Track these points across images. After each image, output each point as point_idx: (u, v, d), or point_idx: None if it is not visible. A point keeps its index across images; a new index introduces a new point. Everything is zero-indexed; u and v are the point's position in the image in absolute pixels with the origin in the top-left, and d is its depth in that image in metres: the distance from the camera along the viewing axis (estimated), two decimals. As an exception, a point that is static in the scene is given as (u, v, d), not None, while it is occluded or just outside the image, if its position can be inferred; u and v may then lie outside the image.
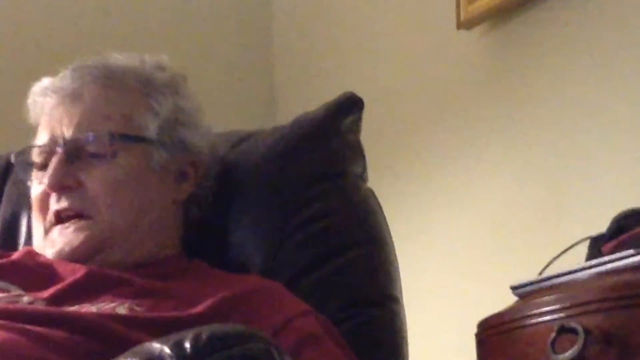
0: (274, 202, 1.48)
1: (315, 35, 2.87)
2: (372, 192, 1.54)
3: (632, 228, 1.47)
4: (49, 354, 1.16)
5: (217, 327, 0.98)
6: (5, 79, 2.57)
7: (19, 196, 1.55)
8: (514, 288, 1.50)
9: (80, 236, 1.38)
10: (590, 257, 1.51)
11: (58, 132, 1.41)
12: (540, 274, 1.53)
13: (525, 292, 1.48)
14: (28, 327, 1.19)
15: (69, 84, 1.43)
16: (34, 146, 1.43)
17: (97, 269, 1.35)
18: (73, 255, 1.38)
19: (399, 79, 2.55)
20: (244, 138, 1.57)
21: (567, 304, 1.35)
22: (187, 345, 0.95)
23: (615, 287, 1.34)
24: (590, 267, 1.41)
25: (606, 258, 1.40)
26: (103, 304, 1.29)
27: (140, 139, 1.42)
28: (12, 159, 1.50)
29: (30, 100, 1.46)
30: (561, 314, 1.35)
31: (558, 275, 1.45)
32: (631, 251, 1.36)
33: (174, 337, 0.96)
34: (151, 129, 1.42)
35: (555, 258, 1.57)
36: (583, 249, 1.56)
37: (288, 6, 2.97)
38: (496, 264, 2.20)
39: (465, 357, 1.54)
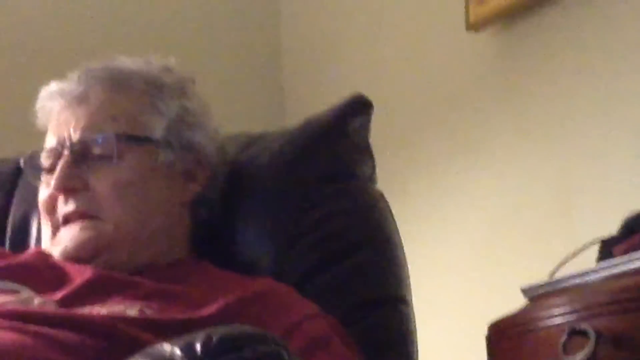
0: (283, 204, 1.48)
1: (323, 36, 2.87)
2: (381, 194, 1.54)
3: (643, 230, 1.47)
4: (60, 356, 1.16)
5: (227, 329, 0.98)
6: (15, 83, 2.57)
7: (30, 199, 1.55)
8: (524, 290, 1.50)
9: (86, 235, 1.38)
10: (601, 259, 1.51)
11: (65, 135, 1.41)
12: (551, 276, 1.53)
13: (536, 294, 1.48)
14: (39, 329, 1.19)
15: (76, 87, 1.43)
16: (42, 150, 1.44)
17: (106, 271, 1.35)
18: (77, 253, 1.38)
19: (407, 80, 2.55)
20: (253, 140, 1.57)
21: (578, 306, 1.35)
22: (198, 346, 0.95)
23: (626, 289, 1.33)
24: (601, 269, 1.41)
25: (617, 260, 1.40)
26: (113, 306, 1.28)
27: (146, 140, 1.42)
28: (22, 163, 1.50)
29: (38, 105, 1.46)
30: (572, 316, 1.35)
31: (569, 278, 1.44)
32: (642, 253, 1.36)
33: (184, 338, 0.97)
34: (157, 130, 1.42)
35: (566, 260, 1.56)
36: (594, 250, 1.56)
37: (296, 7, 2.97)
38: (506, 265, 2.20)
39: (475, 359, 1.53)
